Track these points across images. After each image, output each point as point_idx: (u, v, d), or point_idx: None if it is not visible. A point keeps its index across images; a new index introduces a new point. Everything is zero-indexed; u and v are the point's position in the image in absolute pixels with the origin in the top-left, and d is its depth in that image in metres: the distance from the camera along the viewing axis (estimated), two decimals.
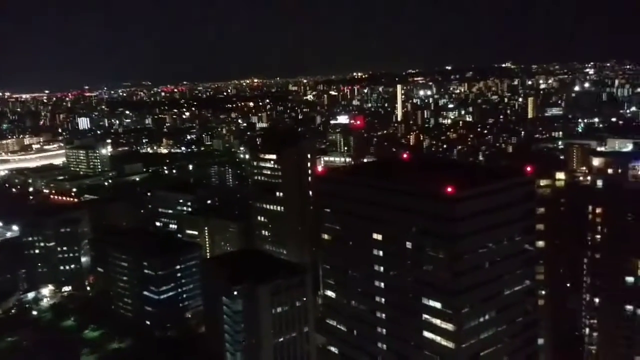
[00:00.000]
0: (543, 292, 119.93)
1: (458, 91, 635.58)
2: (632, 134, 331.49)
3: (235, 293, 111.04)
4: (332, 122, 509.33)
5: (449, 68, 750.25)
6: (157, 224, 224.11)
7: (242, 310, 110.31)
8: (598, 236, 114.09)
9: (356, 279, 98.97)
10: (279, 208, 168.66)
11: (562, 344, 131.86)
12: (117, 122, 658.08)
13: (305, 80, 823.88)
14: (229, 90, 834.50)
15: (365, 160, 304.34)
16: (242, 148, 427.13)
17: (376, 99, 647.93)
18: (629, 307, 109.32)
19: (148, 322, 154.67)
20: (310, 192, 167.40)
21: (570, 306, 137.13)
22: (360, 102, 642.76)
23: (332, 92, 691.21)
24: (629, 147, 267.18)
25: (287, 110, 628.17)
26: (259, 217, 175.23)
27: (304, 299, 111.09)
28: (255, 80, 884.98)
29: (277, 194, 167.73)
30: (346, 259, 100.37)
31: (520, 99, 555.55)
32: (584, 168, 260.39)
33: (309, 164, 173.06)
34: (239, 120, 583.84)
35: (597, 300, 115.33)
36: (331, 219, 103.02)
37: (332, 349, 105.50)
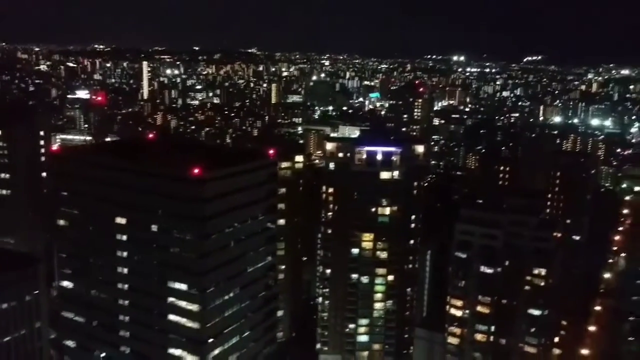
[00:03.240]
0: (283, 267, 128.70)
1: (206, 73, 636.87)
2: (359, 122, 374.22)
3: None
4: (70, 96, 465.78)
5: (197, 49, 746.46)
6: None
7: None
8: (330, 213, 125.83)
9: (97, 266, 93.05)
10: (4, 191, 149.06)
11: (299, 313, 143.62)
12: None
13: (37, 49, 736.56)
14: None
15: (108, 139, 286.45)
16: None
17: (120, 74, 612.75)
18: (354, 276, 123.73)
19: None
20: (44, 174, 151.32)
21: (306, 278, 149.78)
22: (103, 77, 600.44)
23: (70, 64, 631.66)
24: (356, 133, 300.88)
25: (15, 81, 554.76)
26: None
27: (36, 292, 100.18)
28: None
29: (2, 175, 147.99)
30: (86, 245, 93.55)
31: (265, 85, 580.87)
32: (320, 152, 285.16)
33: (42, 142, 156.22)
34: None
35: (328, 271, 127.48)
36: (69, 203, 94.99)
37: (69, 342, 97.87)
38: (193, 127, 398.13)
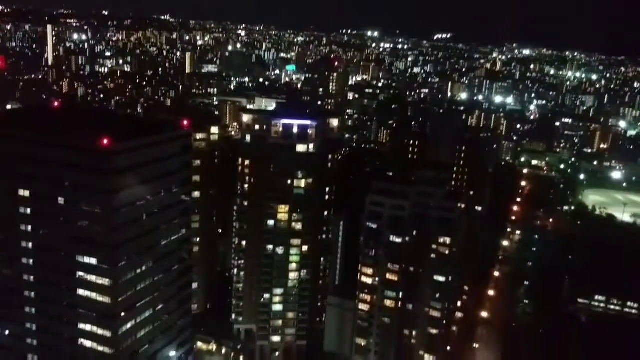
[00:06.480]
0: (198, 239, 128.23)
1: (116, 39, 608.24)
2: (276, 94, 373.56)
3: None
4: None
5: (106, 13, 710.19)
6: None
7: None
8: (246, 186, 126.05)
9: None
10: None
11: (214, 285, 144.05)
12: None
13: None
14: None
15: (9, 107, 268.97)
16: None
17: (22, 38, 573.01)
18: (270, 247, 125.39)
19: None
20: None
21: (221, 250, 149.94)
22: (2, 41, 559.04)
23: None
24: (272, 105, 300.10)
25: None
26: None
27: None
28: None
29: None
30: None
31: (179, 53, 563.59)
32: (236, 124, 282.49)
33: None
34: None
35: (244, 243, 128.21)
36: None
37: None
38: (102, 95, 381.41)
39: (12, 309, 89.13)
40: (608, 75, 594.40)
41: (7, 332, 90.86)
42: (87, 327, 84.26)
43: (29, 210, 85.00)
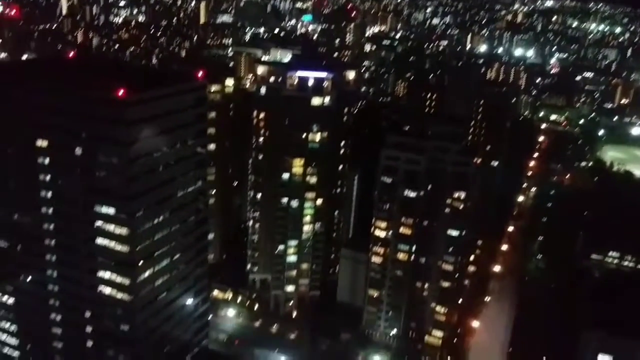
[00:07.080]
0: (214, 192, 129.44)
1: None
2: (291, 45, 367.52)
3: None
4: None
5: None
6: None
7: None
8: (261, 139, 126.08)
9: (17, 190, 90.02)
10: None
11: (230, 236, 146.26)
12: None
13: None
14: None
15: (25, 57, 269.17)
16: None
17: None
18: (284, 200, 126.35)
19: None
20: None
21: (236, 202, 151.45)
22: None
23: None
24: (288, 57, 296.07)
25: None
26: None
27: None
28: None
29: None
30: (4, 168, 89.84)
31: (193, 3, 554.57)
32: (251, 75, 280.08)
33: None
34: None
35: (259, 195, 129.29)
36: None
37: None
38: (116, 46, 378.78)
39: (33, 257, 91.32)
40: (632, 28, 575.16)
41: (29, 279, 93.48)
42: (107, 275, 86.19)
43: (47, 160, 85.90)
